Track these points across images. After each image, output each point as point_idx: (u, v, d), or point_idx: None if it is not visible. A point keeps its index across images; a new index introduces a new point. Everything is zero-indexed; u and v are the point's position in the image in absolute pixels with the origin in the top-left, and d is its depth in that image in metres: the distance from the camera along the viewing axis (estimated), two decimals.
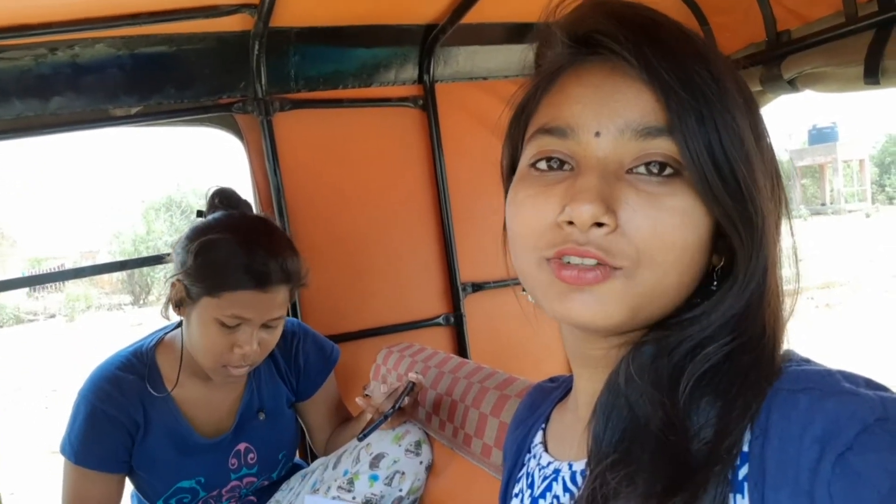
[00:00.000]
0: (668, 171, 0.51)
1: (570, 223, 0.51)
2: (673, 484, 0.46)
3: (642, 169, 0.52)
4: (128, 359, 1.41)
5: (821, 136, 25.29)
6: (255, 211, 1.54)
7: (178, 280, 1.33)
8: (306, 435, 1.72)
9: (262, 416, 1.51)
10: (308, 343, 1.60)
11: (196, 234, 1.35)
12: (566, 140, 0.54)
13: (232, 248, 1.30)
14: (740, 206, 0.51)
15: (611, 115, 0.52)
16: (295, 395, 1.60)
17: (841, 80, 1.42)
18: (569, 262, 0.52)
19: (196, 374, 1.43)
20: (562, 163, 0.55)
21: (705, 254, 0.53)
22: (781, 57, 1.48)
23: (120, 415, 1.35)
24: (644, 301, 0.52)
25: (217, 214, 1.41)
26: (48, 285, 17.58)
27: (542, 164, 0.56)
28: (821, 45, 1.39)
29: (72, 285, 17.10)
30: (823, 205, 24.16)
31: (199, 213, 1.47)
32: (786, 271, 0.57)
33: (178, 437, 1.41)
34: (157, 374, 1.41)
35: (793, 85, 1.51)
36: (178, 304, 1.35)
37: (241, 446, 1.49)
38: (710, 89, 0.50)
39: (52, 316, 16.31)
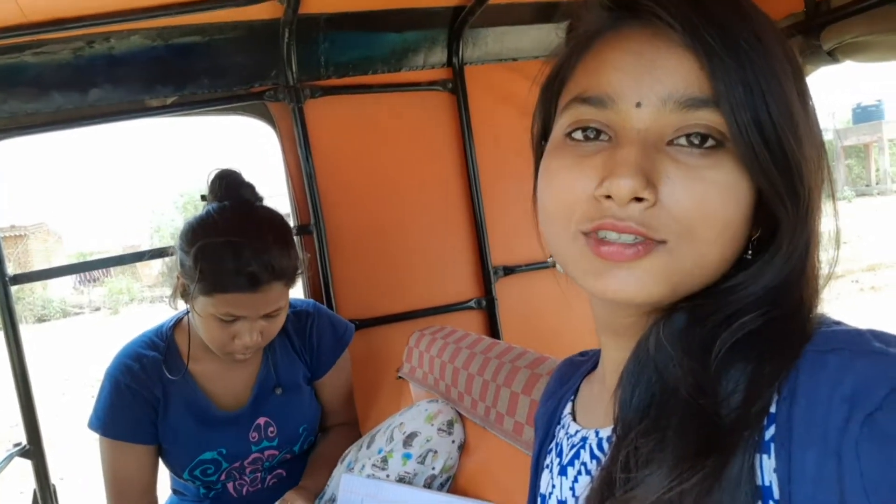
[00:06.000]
0: (709, 142, 0.49)
1: (608, 197, 0.50)
2: (704, 446, 0.46)
3: (683, 140, 0.50)
4: (150, 338, 1.51)
5: (866, 115, 24.38)
6: (263, 195, 1.53)
7: (179, 275, 1.40)
8: None
9: (279, 392, 1.56)
10: (322, 322, 1.64)
11: (188, 236, 1.39)
12: (605, 110, 0.52)
13: (219, 253, 1.32)
14: (787, 178, 0.49)
15: (652, 85, 0.50)
16: (311, 373, 1.64)
17: (883, 49, 1.37)
18: (606, 238, 0.50)
19: (211, 350, 1.49)
20: (598, 132, 0.53)
21: (747, 227, 0.52)
22: (820, 27, 1.44)
23: (142, 389, 1.44)
24: (685, 278, 0.51)
25: (210, 208, 1.43)
26: (92, 280, 18.10)
27: (578, 135, 0.54)
28: (861, 12, 1.35)
29: (115, 279, 17.56)
30: (869, 185, 23.37)
31: (203, 198, 1.51)
32: (826, 253, 0.55)
33: (198, 410, 1.48)
34: (175, 351, 1.50)
35: (832, 56, 1.47)
36: (183, 295, 1.42)
37: (261, 420, 1.54)
38: (757, 54, 0.48)
39: (97, 309, 16.75)
